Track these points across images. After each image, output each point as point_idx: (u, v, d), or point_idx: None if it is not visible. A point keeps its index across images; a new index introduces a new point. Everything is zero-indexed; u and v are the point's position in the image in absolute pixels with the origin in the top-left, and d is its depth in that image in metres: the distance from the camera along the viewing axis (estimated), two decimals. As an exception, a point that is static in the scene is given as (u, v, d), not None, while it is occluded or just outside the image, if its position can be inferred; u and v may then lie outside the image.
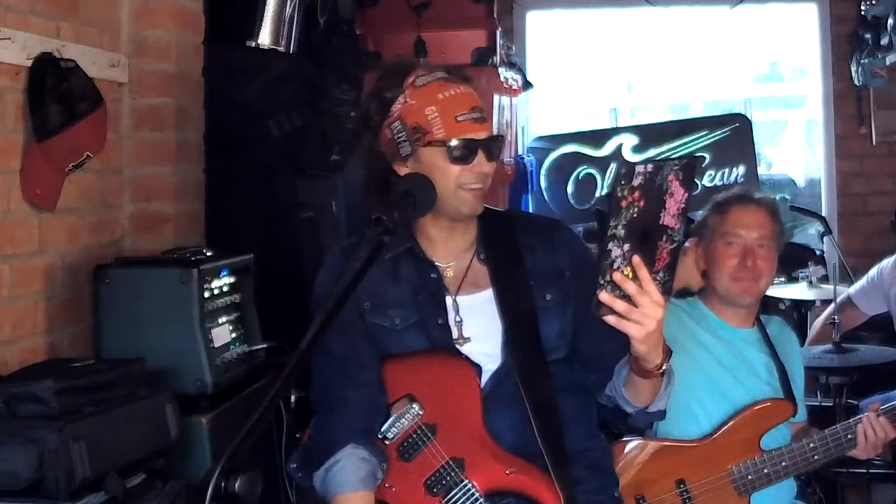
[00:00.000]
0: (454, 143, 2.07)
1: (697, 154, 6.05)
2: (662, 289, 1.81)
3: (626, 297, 1.79)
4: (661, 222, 1.79)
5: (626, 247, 1.76)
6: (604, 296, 1.78)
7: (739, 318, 2.82)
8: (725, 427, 2.71)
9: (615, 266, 1.77)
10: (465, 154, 2.07)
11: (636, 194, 1.73)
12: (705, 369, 2.74)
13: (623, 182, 1.72)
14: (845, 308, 4.19)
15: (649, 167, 1.74)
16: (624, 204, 1.73)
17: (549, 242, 2.22)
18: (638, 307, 1.80)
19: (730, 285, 2.75)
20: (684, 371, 2.59)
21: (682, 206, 1.80)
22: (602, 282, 1.77)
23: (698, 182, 5.87)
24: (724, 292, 2.77)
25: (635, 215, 1.75)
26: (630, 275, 1.78)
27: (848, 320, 4.19)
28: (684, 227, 1.83)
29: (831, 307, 4.07)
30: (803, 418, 2.90)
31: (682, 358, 2.60)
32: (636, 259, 1.77)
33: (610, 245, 1.75)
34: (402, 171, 2.13)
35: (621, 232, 1.75)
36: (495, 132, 2.17)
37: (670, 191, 1.78)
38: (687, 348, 2.71)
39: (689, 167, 1.81)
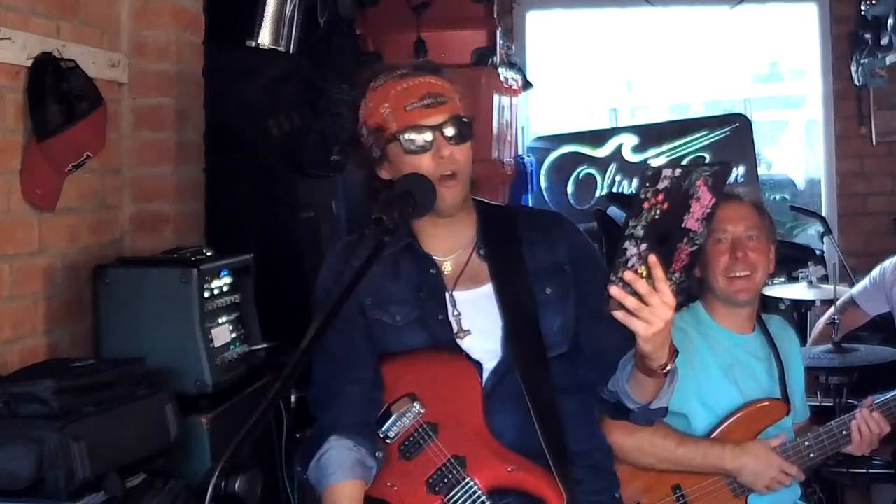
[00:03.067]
0: (405, 134, 2.04)
1: (698, 154, 6.06)
2: (677, 289, 1.81)
3: (637, 295, 1.79)
4: (683, 225, 1.79)
5: (644, 247, 1.76)
6: (615, 290, 1.78)
7: (740, 322, 2.79)
8: (719, 429, 2.70)
9: (629, 265, 1.77)
10: (418, 142, 2.04)
11: (660, 197, 1.73)
12: (704, 376, 2.72)
13: (648, 184, 1.72)
14: (848, 308, 4.19)
15: (677, 171, 1.74)
16: (646, 205, 1.73)
17: (548, 236, 2.21)
18: (648, 306, 1.79)
19: (725, 285, 2.72)
20: (684, 377, 2.60)
21: (708, 210, 1.80)
22: (614, 277, 1.77)
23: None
24: (721, 293, 2.75)
25: (657, 217, 1.75)
26: (644, 273, 1.78)
27: (851, 320, 4.18)
28: (707, 231, 1.83)
29: (838, 302, 4.08)
30: (804, 417, 2.89)
31: (682, 364, 2.60)
32: (652, 258, 1.77)
33: (626, 244, 1.75)
34: (383, 174, 2.13)
35: (640, 232, 1.75)
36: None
37: (697, 195, 1.77)
38: (687, 354, 2.69)
39: (721, 174, 1.80)
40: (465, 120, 2.10)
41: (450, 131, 2.07)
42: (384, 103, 2.07)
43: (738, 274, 2.71)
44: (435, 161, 2.06)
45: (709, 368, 2.72)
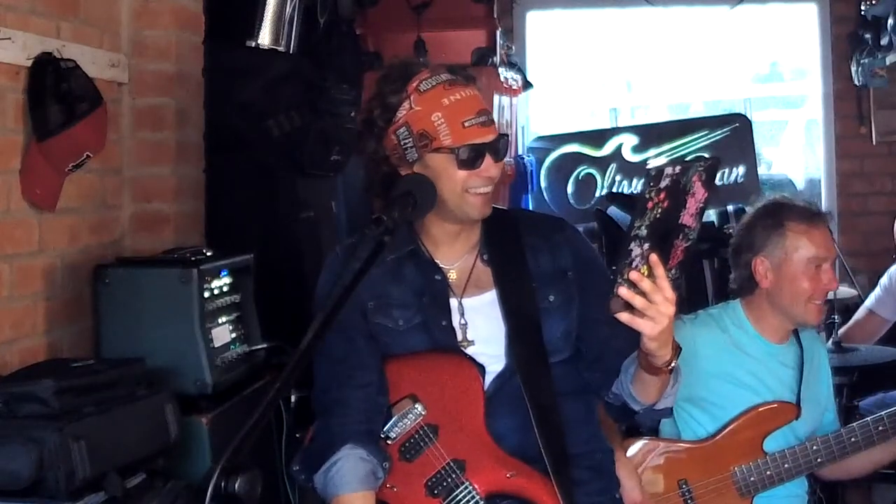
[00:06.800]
0: (462, 149, 2.07)
1: (698, 154, 6.06)
2: (673, 285, 1.83)
3: (641, 295, 1.81)
4: (680, 221, 1.81)
5: (646, 246, 1.78)
6: (623, 291, 1.79)
7: (782, 334, 2.77)
8: (728, 428, 2.70)
9: (633, 265, 1.78)
10: (473, 158, 2.07)
11: (662, 195, 1.75)
12: (715, 378, 2.71)
13: (651, 184, 1.74)
14: (868, 320, 4.27)
15: (677, 168, 1.76)
16: (650, 205, 1.75)
17: (551, 242, 2.21)
18: (652, 304, 1.81)
19: (811, 312, 2.69)
20: (707, 376, 2.59)
21: (702, 205, 1.83)
22: (620, 280, 1.79)
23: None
24: (801, 318, 2.71)
25: (659, 215, 1.77)
26: (646, 272, 1.79)
27: (874, 329, 4.29)
28: (699, 226, 1.85)
29: (855, 316, 4.26)
30: (832, 431, 2.80)
31: (711, 362, 2.60)
32: (654, 257, 1.79)
33: (632, 245, 1.77)
34: (406, 173, 2.13)
35: (643, 232, 1.77)
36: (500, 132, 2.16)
37: (692, 191, 1.80)
38: (719, 354, 2.69)
39: (713, 168, 1.83)
40: (505, 137, 2.16)
41: (498, 150, 2.11)
42: (435, 112, 2.07)
43: (821, 302, 2.69)
44: (479, 176, 2.09)
45: (734, 372, 2.71)
